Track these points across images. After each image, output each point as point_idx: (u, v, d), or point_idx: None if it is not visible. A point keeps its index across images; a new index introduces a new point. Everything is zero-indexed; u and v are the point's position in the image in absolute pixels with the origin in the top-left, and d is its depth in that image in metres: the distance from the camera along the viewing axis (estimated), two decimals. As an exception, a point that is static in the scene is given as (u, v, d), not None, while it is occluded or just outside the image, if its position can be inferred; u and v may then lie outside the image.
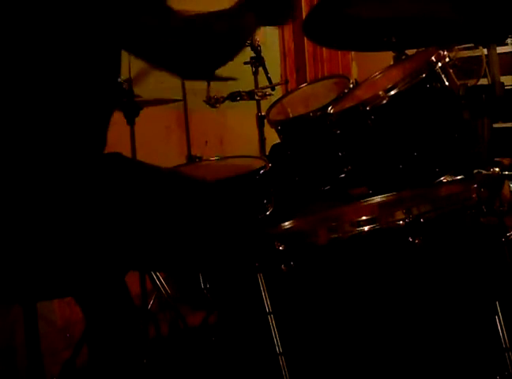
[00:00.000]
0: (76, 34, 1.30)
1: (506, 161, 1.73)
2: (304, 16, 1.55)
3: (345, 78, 2.39)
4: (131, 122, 2.50)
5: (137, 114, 2.51)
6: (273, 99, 2.69)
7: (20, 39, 1.29)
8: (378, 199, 1.70)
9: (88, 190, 1.34)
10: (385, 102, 1.88)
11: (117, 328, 1.50)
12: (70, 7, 1.29)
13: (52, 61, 1.30)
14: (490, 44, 1.48)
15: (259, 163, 2.15)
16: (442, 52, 1.90)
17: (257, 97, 3.01)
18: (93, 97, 1.38)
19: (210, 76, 1.69)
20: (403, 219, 1.36)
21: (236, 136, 3.74)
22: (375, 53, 1.92)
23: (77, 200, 1.31)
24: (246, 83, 3.13)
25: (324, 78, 2.84)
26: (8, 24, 1.29)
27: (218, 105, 2.97)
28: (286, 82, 3.87)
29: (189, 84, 3.11)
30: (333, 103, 2.15)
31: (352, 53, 5.50)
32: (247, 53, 3.12)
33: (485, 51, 3.42)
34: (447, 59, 1.91)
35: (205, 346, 2.28)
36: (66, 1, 1.30)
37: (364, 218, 1.40)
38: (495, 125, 1.50)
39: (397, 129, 1.91)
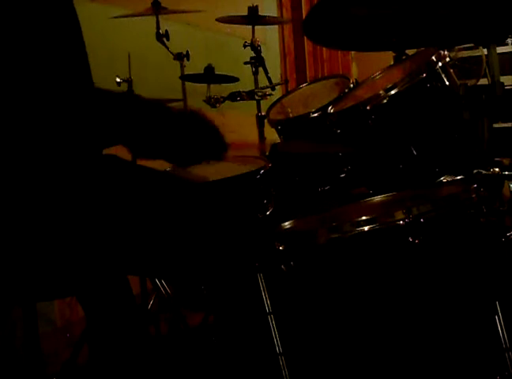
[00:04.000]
0: None
1: (506, 161, 1.73)
2: (304, 16, 1.55)
3: (345, 78, 2.38)
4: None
5: (137, 114, 2.51)
6: (273, 99, 2.69)
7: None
8: (378, 199, 1.70)
9: (86, 191, 1.33)
10: (385, 101, 1.88)
11: (118, 327, 1.49)
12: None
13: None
14: (490, 44, 1.47)
15: (259, 163, 2.14)
16: (442, 52, 1.90)
17: (257, 97, 3.01)
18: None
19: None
20: (403, 219, 1.36)
21: (236, 136, 3.74)
22: (375, 53, 1.92)
23: (75, 201, 1.31)
24: (246, 83, 3.13)
25: (324, 78, 2.83)
26: None
27: (218, 105, 2.97)
28: (286, 82, 3.87)
29: (189, 84, 3.11)
30: (333, 102, 2.15)
31: (352, 53, 5.52)
32: (247, 53, 3.12)
33: (485, 51, 3.41)
34: (447, 59, 1.91)
35: (205, 346, 2.28)
36: None
37: (364, 218, 1.40)
38: (495, 125, 1.50)
39: (397, 128, 1.91)
